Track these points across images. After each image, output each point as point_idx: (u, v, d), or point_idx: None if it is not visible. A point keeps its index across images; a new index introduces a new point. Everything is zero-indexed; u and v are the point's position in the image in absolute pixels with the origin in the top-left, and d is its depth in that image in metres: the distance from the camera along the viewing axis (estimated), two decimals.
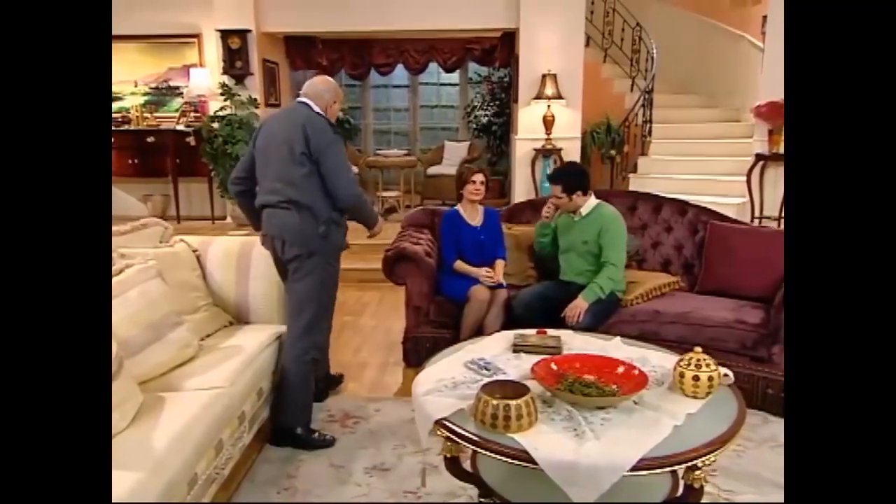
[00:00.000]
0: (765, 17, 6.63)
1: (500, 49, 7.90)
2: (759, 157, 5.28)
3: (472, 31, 6.93)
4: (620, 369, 2.07)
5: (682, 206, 3.72)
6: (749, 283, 3.28)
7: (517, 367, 2.28)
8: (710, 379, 2.00)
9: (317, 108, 2.73)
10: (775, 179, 5.28)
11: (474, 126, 8.71)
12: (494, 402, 1.83)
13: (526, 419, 1.83)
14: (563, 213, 3.35)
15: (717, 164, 6.30)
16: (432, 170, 8.11)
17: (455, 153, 8.19)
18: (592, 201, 3.25)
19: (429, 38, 8.63)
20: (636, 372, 2.04)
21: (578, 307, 3.03)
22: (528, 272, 3.69)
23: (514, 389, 1.92)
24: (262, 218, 2.73)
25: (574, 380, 2.04)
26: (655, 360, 2.33)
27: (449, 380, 2.16)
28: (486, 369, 2.24)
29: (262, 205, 2.71)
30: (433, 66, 9.01)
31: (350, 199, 2.69)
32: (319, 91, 2.77)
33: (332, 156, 2.60)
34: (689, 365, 2.03)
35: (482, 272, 3.34)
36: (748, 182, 5.34)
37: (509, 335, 2.59)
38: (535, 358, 2.25)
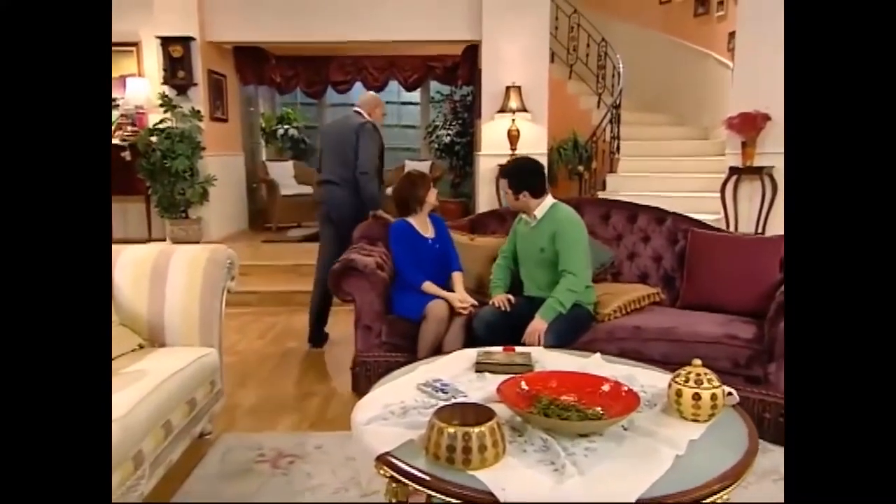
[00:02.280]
0: (731, 34, 6.63)
1: (463, 67, 7.73)
2: (732, 170, 5.11)
3: (434, 42, 6.72)
4: (606, 387, 1.72)
5: (659, 214, 3.46)
6: (736, 296, 3.00)
7: (480, 390, 1.94)
8: (714, 398, 1.67)
9: (365, 114, 3.96)
10: (750, 194, 5.12)
11: (436, 146, 8.47)
12: (451, 430, 1.47)
13: (491, 451, 1.46)
14: (520, 219, 3.06)
15: (688, 181, 6.16)
16: (392, 190, 7.76)
17: None
18: (547, 202, 2.93)
19: (389, 55, 8.43)
20: (625, 390, 1.70)
21: (537, 329, 2.69)
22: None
23: (477, 414, 1.56)
24: (322, 191, 3.98)
25: (549, 402, 1.70)
26: (644, 379, 2.00)
27: (397, 405, 1.79)
28: (443, 391, 1.87)
29: (324, 181, 3.96)
30: (393, 84, 8.80)
31: (362, 169, 3.78)
32: (366, 101, 4.09)
33: (363, 144, 3.80)
34: (687, 381, 1.70)
35: (455, 300, 2.96)
36: (722, 197, 5.16)
37: (471, 353, 2.25)
38: (502, 378, 1.90)
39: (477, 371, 2.10)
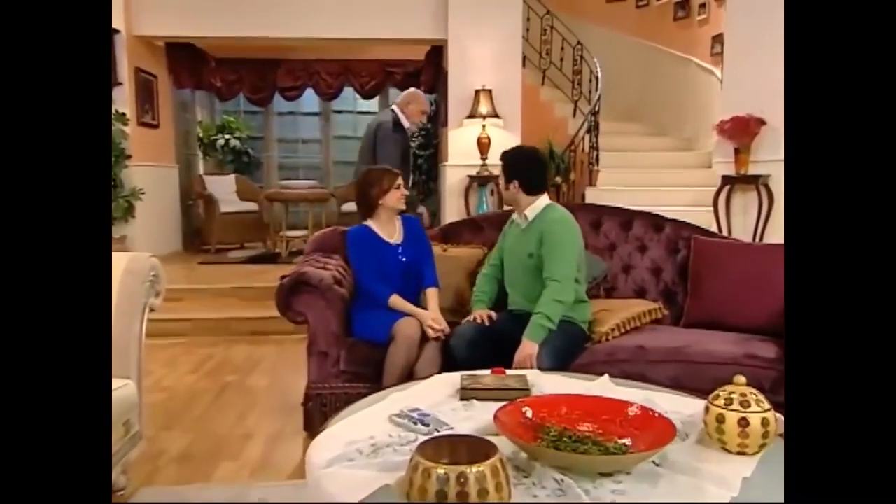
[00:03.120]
0: (714, 38, 6.67)
1: (426, 71, 7.59)
2: (725, 179, 5.04)
3: (395, 42, 6.56)
4: (632, 411, 1.48)
5: (656, 221, 3.29)
6: (750, 312, 2.83)
7: (469, 420, 1.69)
8: (765, 423, 1.45)
9: (398, 110, 4.36)
10: (744, 205, 5.05)
11: None
12: (441, 470, 1.20)
13: (493, 496, 1.20)
14: (511, 222, 2.88)
15: (673, 194, 6.07)
16: (348, 206, 7.50)
17: None
18: (541, 202, 2.76)
19: (343, 59, 8.28)
20: (655, 415, 1.46)
21: (527, 353, 2.45)
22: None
23: (470, 450, 1.30)
24: None
25: (560, 432, 1.44)
26: (666, 404, 1.77)
27: (366, 442, 1.51)
28: (423, 423, 1.61)
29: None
30: (349, 91, 8.66)
31: None
32: (402, 96, 4.44)
33: (380, 149, 4.22)
34: (729, 404, 1.47)
35: (427, 318, 2.70)
36: (715, 208, 5.07)
37: (454, 377, 2.00)
38: (495, 406, 1.66)
39: (462, 398, 1.85)
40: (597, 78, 6.63)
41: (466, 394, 1.85)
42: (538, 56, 7.14)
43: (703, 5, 6.94)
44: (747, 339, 2.70)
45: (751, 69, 4.91)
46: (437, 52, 7.14)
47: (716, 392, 1.53)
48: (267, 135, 9.04)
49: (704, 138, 6.86)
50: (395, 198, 2.91)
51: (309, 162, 9.14)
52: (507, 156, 2.82)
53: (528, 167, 2.74)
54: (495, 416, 1.47)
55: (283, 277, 2.87)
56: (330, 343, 2.79)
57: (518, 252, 2.75)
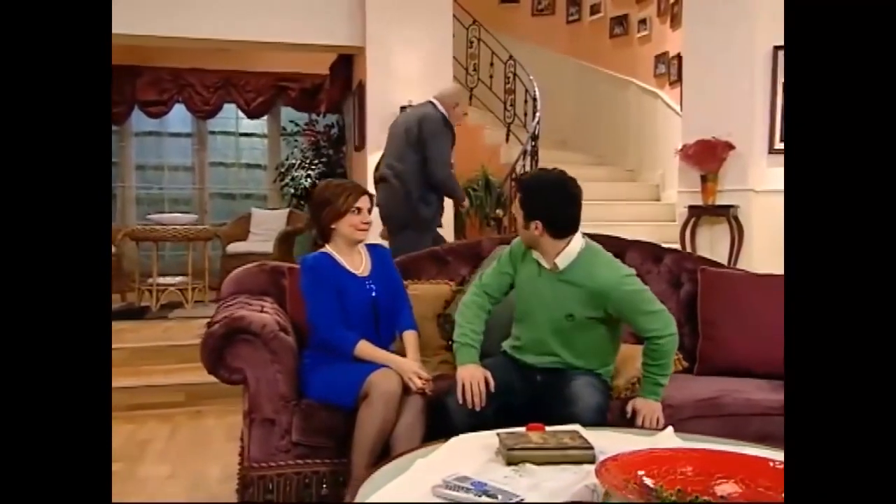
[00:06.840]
0: (657, 57, 7.06)
1: (332, 87, 7.53)
2: (692, 210, 5.23)
3: (295, 47, 6.38)
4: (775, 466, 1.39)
5: (655, 251, 3.34)
6: (778, 354, 2.86)
7: (535, 489, 1.56)
8: None
9: (442, 109, 4.32)
10: (711, 239, 5.25)
11: (292, 191, 8.04)
12: None
13: None
14: (523, 253, 2.58)
15: (622, 230, 6.21)
16: (234, 247, 7.18)
17: (267, 225, 7.39)
18: (573, 248, 2.46)
19: (224, 70, 8.08)
20: None
21: (654, 410, 2.44)
22: (442, 354, 2.98)
23: None
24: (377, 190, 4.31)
25: (675, 496, 1.32)
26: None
27: None
28: (488, 494, 1.45)
29: (379, 178, 4.42)
30: (230, 108, 8.45)
31: (440, 178, 4.25)
32: (447, 93, 4.42)
33: (433, 145, 4.20)
34: None
35: (412, 367, 2.49)
36: (682, 243, 5.23)
37: (483, 438, 1.90)
38: (558, 471, 1.53)
39: (510, 462, 1.69)
40: (534, 99, 6.76)
41: (515, 456, 1.69)
42: (464, 72, 7.22)
43: (643, 21, 7.33)
44: (782, 385, 2.72)
45: (714, 89, 5.18)
46: (345, 64, 7.07)
47: None
48: (122, 160, 8.47)
49: (649, 169, 7.18)
50: (352, 225, 2.64)
51: (177, 194, 8.67)
52: (525, 185, 2.52)
53: (553, 202, 2.42)
54: (597, 472, 1.33)
55: (211, 324, 2.61)
56: (278, 408, 2.54)
57: (543, 304, 2.50)
